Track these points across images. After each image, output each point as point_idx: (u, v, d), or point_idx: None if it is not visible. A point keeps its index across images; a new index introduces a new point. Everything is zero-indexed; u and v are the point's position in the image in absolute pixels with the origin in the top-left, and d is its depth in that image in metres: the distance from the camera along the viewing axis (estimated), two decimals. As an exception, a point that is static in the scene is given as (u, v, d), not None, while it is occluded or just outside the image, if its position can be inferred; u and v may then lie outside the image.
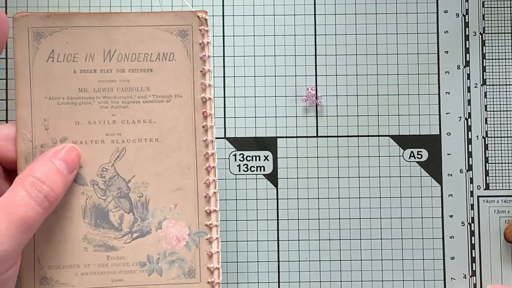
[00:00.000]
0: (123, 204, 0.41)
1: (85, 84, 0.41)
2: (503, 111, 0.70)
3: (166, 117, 0.40)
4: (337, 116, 0.70)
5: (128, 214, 0.41)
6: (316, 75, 0.70)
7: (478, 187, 0.70)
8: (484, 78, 0.70)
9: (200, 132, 0.42)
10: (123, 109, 0.41)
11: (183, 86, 0.41)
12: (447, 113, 0.70)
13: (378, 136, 0.69)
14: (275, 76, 0.69)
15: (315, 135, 0.69)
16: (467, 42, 0.70)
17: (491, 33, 0.70)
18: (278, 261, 0.68)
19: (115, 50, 0.41)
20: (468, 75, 0.70)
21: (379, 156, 0.69)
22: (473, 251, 0.69)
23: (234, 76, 0.69)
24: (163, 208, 0.41)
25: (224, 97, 0.69)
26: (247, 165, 0.69)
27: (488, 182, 0.70)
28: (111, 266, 0.41)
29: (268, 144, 0.69)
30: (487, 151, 0.70)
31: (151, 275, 0.41)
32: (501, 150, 0.70)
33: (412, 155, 0.70)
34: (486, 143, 0.70)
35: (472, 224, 0.69)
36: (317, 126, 0.69)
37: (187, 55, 0.41)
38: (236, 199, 0.68)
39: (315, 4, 0.70)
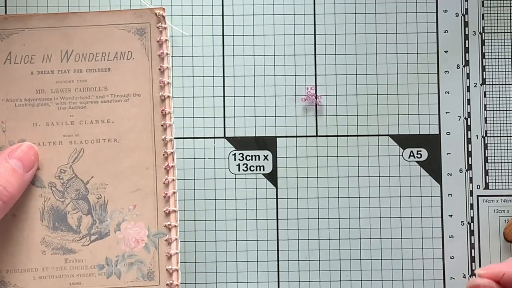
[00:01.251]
0: (81, 206, 0.40)
1: (42, 85, 0.40)
2: (503, 110, 0.70)
3: (125, 116, 0.40)
4: (336, 115, 0.69)
5: (87, 216, 0.40)
6: (315, 75, 0.70)
7: (478, 186, 0.70)
8: (484, 77, 0.70)
9: (159, 131, 0.41)
10: (81, 109, 0.40)
11: (141, 85, 0.40)
12: (446, 113, 0.70)
13: (378, 135, 0.69)
14: (274, 75, 0.69)
15: (315, 134, 0.69)
16: (467, 41, 0.70)
17: (491, 32, 0.70)
18: (278, 261, 0.68)
19: (72, 51, 0.41)
20: (468, 74, 0.70)
21: (378, 156, 0.69)
22: (473, 250, 0.69)
23: (234, 76, 0.69)
24: (121, 209, 0.40)
25: (224, 96, 0.69)
26: (246, 164, 0.69)
27: (487, 181, 0.70)
28: (69, 269, 0.41)
29: (267, 143, 0.69)
30: (486, 150, 0.70)
31: (110, 278, 0.40)
32: (501, 149, 0.70)
33: (411, 154, 0.70)
34: (486, 142, 0.70)
35: (472, 224, 0.69)
36: (316, 126, 0.69)
37: (145, 53, 0.41)
38: (235, 199, 0.68)
39: (314, 4, 0.70)
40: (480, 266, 0.69)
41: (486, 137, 0.70)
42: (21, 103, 0.40)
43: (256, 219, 0.68)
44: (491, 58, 0.70)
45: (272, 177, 0.69)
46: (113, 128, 0.40)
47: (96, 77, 0.40)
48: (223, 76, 0.69)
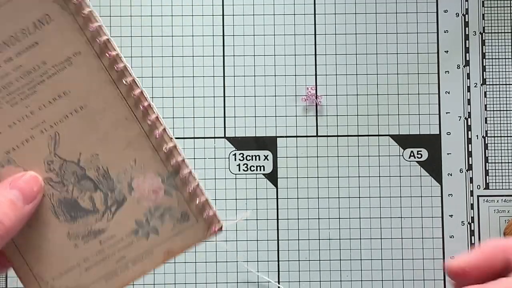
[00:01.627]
0: (86, 186, 0.39)
1: None
2: (503, 110, 0.70)
3: (77, 80, 0.38)
4: (337, 115, 0.69)
5: (96, 192, 0.39)
6: (316, 75, 0.70)
7: (478, 186, 0.70)
8: (484, 77, 0.70)
9: (117, 77, 0.38)
10: (33, 95, 0.38)
11: (75, 42, 0.37)
12: (447, 113, 0.70)
13: (378, 135, 0.69)
14: (275, 75, 0.69)
15: (315, 134, 0.69)
16: (467, 41, 0.70)
17: (491, 32, 0.70)
18: (278, 261, 0.68)
19: None
20: (468, 74, 0.70)
21: (379, 156, 0.69)
22: (473, 250, 0.69)
23: (234, 76, 0.69)
24: (124, 169, 0.38)
25: (224, 96, 0.69)
26: (247, 164, 0.69)
27: (488, 181, 0.70)
28: (107, 248, 0.40)
29: (268, 143, 0.69)
30: (487, 150, 0.70)
31: (150, 238, 0.39)
32: (501, 149, 0.70)
33: (412, 154, 0.70)
34: (486, 142, 0.70)
35: (472, 224, 0.69)
36: (317, 126, 0.69)
37: (62, 9, 0.38)
38: (236, 199, 0.68)
39: (315, 4, 0.70)
40: (480, 266, 0.69)
41: (486, 137, 0.70)
42: None
43: (257, 219, 0.68)
44: (492, 58, 0.70)
45: (272, 177, 0.69)
46: (73, 98, 0.38)
47: (28, 57, 0.38)
48: (224, 76, 0.69)
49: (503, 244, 0.34)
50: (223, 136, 0.69)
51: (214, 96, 0.69)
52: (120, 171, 0.38)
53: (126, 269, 0.39)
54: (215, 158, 0.68)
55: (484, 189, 0.69)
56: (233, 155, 0.69)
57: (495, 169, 0.70)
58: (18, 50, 0.37)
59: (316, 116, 0.69)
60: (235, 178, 0.69)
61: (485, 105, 0.70)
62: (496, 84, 0.70)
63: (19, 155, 0.38)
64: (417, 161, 0.70)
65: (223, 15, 0.69)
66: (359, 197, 0.69)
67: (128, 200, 0.38)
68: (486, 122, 0.70)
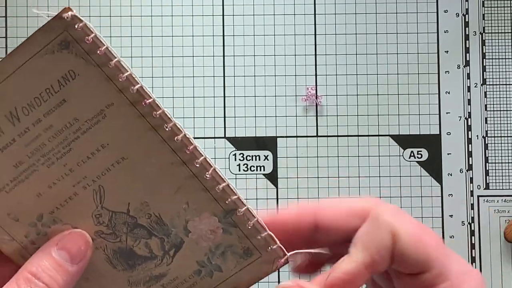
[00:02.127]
0: (140, 234, 0.37)
1: (16, 159, 0.36)
2: (503, 110, 0.70)
3: (114, 131, 0.36)
4: (337, 115, 0.69)
5: (152, 239, 0.37)
6: (316, 75, 0.70)
7: (478, 186, 0.70)
8: (484, 77, 0.70)
9: (156, 123, 0.36)
10: (69, 153, 0.36)
11: (106, 92, 0.35)
12: (447, 113, 0.70)
13: (378, 135, 0.69)
14: (275, 75, 0.69)
15: (315, 134, 0.69)
16: (467, 41, 0.70)
17: (491, 32, 0.70)
18: (278, 261, 0.68)
19: (15, 108, 0.36)
20: (468, 74, 0.70)
21: (379, 156, 0.69)
22: (473, 250, 0.69)
23: (234, 76, 0.69)
24: (177, 213, 0.37)
25: (224, 96, 0.69)
26: (247, 164, 0.69)
27: (488, 181, 0.70)
28: None
29: (268, 143, 0.69)
30: (487, 150, 0.70)
31: (213, 276, 0.37)
32: (501, 150, 0.70)
33: (412, 154, 0.70)
34: (486, 142, 0.70)
35: (472, 224, 0.69)
36: (317, 126, 0.69)
37: (85, 61, 0.35)
38: (236, 199, 0.68)
39: (315, 4, 0.70)
40: (480, 266, 0.69)
41: (486, 137, 0.70)
42: (11, 186, 0.36)
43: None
44: (492, 58, 0.70)
45: (272, 177, 0.69)
46: (112, 150, 0.36)
47: (58, 116, 0.35)
48: (224, 76, 0.69)
49: (313, 207, 0.36)
50: (223, 136, 0.69)
51: (214, 96, 0.69)
52: (174, 216, 0.36)
53: None
54: (215, 158, 0.68)
55: (484, 189, 0.69)
56: (233, 155, 0.69)
57: (495, 169, 0.70)
58: (46, 110, 0.35)
59: (316, 116, 0.69)
60: (235, 178, 0.68)
61: (485, 105, 0.70)
62: (496, 84, 0.70)
63: (64, 213, 0.36)
64: (417, 161, 0.70)
65: (223, 15, 0.69)
66: (359, 197, 0.69)
67: (186, 242, 0.36)
68: (486, 122, 0.70)
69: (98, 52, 0.34)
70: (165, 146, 0.35)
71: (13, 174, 0.35)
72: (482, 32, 0.70)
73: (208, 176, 0.36)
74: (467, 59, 0.70)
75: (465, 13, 0.70)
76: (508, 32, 0.70)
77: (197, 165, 0.35)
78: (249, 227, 0.37)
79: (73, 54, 0.34)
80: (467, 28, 0.70)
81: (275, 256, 0.37)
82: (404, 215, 0.34)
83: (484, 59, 0.70)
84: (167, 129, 0.35)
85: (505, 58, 0.70)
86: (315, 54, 0.70)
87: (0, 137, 0.34)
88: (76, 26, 0.34)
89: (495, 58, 0.70)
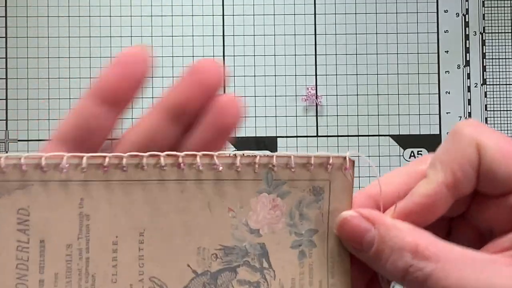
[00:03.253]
0: (225, 279, 0.32)
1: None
2: (503, 110, 0.70)
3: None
4: (337, 115, 0.69)
5: (239, 273, 0.32)
6: (316, 75, 0.70)
7: (478, 186, 0.70)
8: (484, 77, 0.70)
9: (146, 175, 0.35)
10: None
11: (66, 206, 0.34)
12: (447, 113, 0.70)
13: (378, 135, 0.69)
14: (275, 75, 0.69)
15: (315, 134, 0.69)
16: (467, 41, 0.70)
17: (491, 32, 0.70)
18: (278, 261, 0.68)
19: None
20: (468, 74, 0.70)
21: (379, 156, 0.69)
22: (473, 250, 0.69)
23: (234, 76, 0.69)
24: (232, 226, 0.32)
25: (224, 96, 0.69)
26: (247, 164, 0.69)
27: (488, 181, 0.70)
28: None
29: (268, 143, 0.69)
30: (487, 150, 0.70)
31: (314, 238, 0.33)
32: (501, 149, 0.70)
33: (412, 154, 0.70)
34: (486, 142, 0.70)
35: (472, 224, 0.69)
36: (317, 126, 0.69)
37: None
38: (236, 199, 0.68)
39: (315, 4, 0.70)
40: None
41: (486, 137, 0.70)
42: None
43: (257, 219, 0.68)
44: (492, 58, 0.70)
45: (272, 177, 0.69)
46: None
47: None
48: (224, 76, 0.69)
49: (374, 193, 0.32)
50: (223, 136, 0.69)
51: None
52: (231, 232, 0.32)
53: None
54: (215, 158, 0.68)
55: (485, 189, 0.69)
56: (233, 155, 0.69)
57: (495, 169, 0.70)
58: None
59: (316, 116, 0.69)
60: (235, 178, 0.69)
61: (485, 105, 0.70)
62: (496, 84, 0.70)
63: None
64: (417, 161, 0.70)
65: (223, 15, 0.69)
66: (359, 197, 0.69)
67: (266, 241, 0.32)
68: (486, 122, 0.70)
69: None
70: (165, 186, 0.32)
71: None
72: (482, 32, 0.70)
73: (220, 168, 0.32)
74: (467, 59, 0.70)
75: (465, 13, 0.70)
76: (508, 32, 0.70)
77: (201, 168, 0.32)
78: (293, 170, 0.32)
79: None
80: (467, 28, 0.70)
81: (339, 168, 0.33)
82: (487, 127, 0.28)
83: (484, 59, 0.70)
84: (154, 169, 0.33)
85: (505, 58, 0.70)
86: (315, 54, 0.70)
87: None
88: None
89: (495, 58, 0.70)
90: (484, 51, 0.70)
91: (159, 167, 0.31)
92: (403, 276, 0.28)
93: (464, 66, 0.70)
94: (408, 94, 0.70)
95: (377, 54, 0.70)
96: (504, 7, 0.70)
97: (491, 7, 0.70)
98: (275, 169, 0.32)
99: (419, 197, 0.29)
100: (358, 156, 0.32)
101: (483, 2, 0.70)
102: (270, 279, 0.32)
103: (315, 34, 0.70)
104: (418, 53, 0.70)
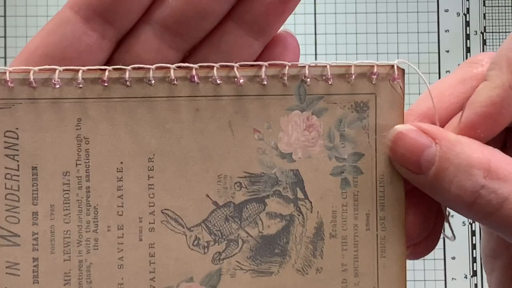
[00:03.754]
0: (251, 212, 0.28)
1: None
2: (504, 110, 0.70)
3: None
4: (337, 115, 0.69)
5: (268, 204, 0.28)
6: (316, 75, 0.69)
7: (479, 187, 0.69)
8: (485, 77, 0.70)
9: (151, 91, 0.28)
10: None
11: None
12: (447, 113, 0.70)
13: (379, 135, 0.69)
14: (275, 75, 0.69)
15: (315, 134, 0.69)
16: (468, 41, 0.70)
17: (492, 32, 0.70)
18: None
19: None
20: (469, 74, 0.70)
21: (379, 156, 0.69)
22: (474, 251, 0.69)
23: (234, 76, 0.69)
24: (259, 150, 0.28)
25: (224, 96, 0.69)
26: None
27: (489, 181, 0.69)
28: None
29: (268, 143, 0.69)
30: (488, 150, 0.70)
31: (359, 163, 0.28)
32: (502, 149, 0.70)
33: (412, 154, 0.69)
34: (487, 142, 0.70)
35: (473, 224, 0.69)
36: (317, 126, 0.69)
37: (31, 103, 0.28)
38: (236, 199, 0.68)
39: (315, 3, 0.70)
40: (481, 266, 0.69)
41: (487, 137, 0.70)
42: None
43: (257, 220, 0.68)
44: (493, 58, 0.70)
45: (272, 177, 0.69)
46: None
47: None
48: (224, 76, 0.69)
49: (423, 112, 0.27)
50: (223, 136, 0.68)
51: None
52: (258, 157, 0.28)
53: None
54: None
55: (485, 189, 0.69)
56: (233, 155, 0.69)
57: (496, 169, 0.69)
58: None
59: (317, 116, 0.69)
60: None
61: (486, 105, 0.70)
62: (497, 84, 0.70)
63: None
64: (417, 161, 0.69)
65: (223, 14, 0.69)
66: (360, 198, 0.69)
67: (300, 167, 0.28)
68: (487, 122, 0.70)
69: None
70: (176, 104, 0.27)
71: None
72: (483, 31, 0.70)
73: (241, 81, 0.27)
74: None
75: (466, 13, 0.70)
76: (509, 32, 0.70)
77: (218, 82, 0.27)
78: (330, 83, 0.28)
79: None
80: (468, 28, 0.70)
81: (385, 78, 0.29)
82: None
83: (485, 59, 0.70)
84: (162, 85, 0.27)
85: (506, 58, 0.70)
86: (315, 54, 0.69)
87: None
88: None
89: (496, 58, 0.70)
90: (485, 51, 0.70)
91: (169, 81, 0.26)
92: (472, 202, 0.23)
93: (465, 66, 0.70)
94: (409, 94, 0.70)
95: (377, 53, 0.69)
96: (505, 6, 0.70)
97: (492, 6, 0.70)
98: (308, 82, 0.27)
99: (481, 106, 0.24)
100: (408, 64, 0.27)
101: (484, 1, 0.70)
102: (306, 212, 0.27)
103: (315, 34, 0.69)
104: (418, 53, 0.70)
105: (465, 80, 0.26)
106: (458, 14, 0.70)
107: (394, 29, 0.70)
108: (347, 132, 0.27)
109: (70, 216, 0.27)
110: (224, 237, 0.27)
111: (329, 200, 0.27)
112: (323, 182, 0.27)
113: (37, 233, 0.27)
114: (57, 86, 0.26)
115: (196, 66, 0.26)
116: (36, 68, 0.26)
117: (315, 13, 0.70)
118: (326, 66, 0.27)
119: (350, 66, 0.28)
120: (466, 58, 0.70)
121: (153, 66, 0.26)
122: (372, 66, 0.28)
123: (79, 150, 0.27)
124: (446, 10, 0.70)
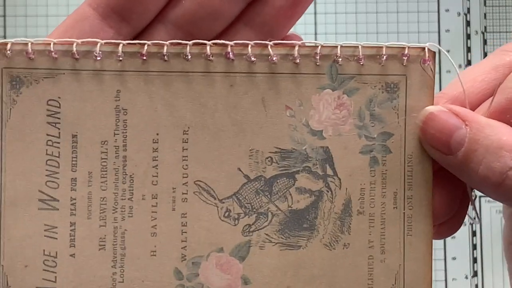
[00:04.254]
0: (281, 187, 0.28)
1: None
2: (505, 110, 0.70)
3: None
4: (337, 115, 0.69)
5: (298, 179, 0.28)
6: (316, 75, 0.69)
7: (480, 187, 0.69)
8: (486, 77, 0.70)
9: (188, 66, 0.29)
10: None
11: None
12: (448, 113, 0.70)
13: (379, 135, 0.69)
14: (275, 75, 0.69)
15: (316, 134, 0.69)
16: (469, 41, 0.70)
17: (493, 32, 0.70)
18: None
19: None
20: (470, 74, 0.70)
21: (380, 156, 0.69)
22: (475, 251, 0.69)
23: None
24: (290, 126, 0.28)
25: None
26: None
27: (489, 182, 0.69)
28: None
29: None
30: (488, 150, 0.69)
31: (388, 142, 0.28)
32: (503, 149, 0.69)
33: (413, 154, 0.69)
34: (488, 142, 0.70)
35: (474, 225, 0.69)
36: (317, 126, 0.69)
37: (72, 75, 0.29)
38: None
39: (315, 3, 0.70)
40: (482, 267, 0.69)
41: (488, 137, 0.70)
42: None
43: (257, 220, 0.68)
44: (493, 58, 0.70)
45: (272, 177, 0.69)
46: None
47: None
48: (224, 76, 0.69)
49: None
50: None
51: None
52: (289, 133, 0.28)
53: None
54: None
55: (486, 189, 0.69)
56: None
57: (496, 170, 0.69)
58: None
59: (317, 116, 0.69)
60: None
61: (487, 105, 0.70)
62: (497, 84, 0.70)
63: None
64: (418, 161, 0.69)
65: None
66: (360, 198, 0.69)
67: (331, 146, 0.28)
68: (487, 122, 0.70)
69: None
70: (212, 79, 0.28)
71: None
72: (483, 31, 0.70)
73: (275, 59, 0.27)
74: (469, 58, 0.70)
75: (466, 12, 0.70)
76: (510, 32, 0.70)
77: (252, 59, 0.27)
78: (361, 63, 0.28)
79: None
80: (468, 27, 0.70)
81: (416, 60, 0.28)
82: None
83: (486, 59, 0.70)
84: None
85: (507, 58, 0.70)
86: (316, 54, 0.69)
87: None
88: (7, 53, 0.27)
89: (497, 58, 0.70)
90: (485, 51, 0.70)
91: (205, 57, 0.27)
92: (500, 183, 0.24)
93: (466, 66, 0.70)
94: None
95: (377, 53, 0.69)
96: (505, 6, 0.70)
97: (492, 6, 0.70)
98: (340, 62, 0.28)
99: None
100: (439, 48, 0.28)
101: (484, 1, 0.70)
102: (335, 188, 0.28)
103: (316, 34, 0.69)
104: (419, 53, 0.70)
105: (497, 67, 0.26)
106: (459, 13, 0.70)
107: (394, 29, 0.70)
108: (377, 112, 0.28)
109: (106, 184, 0.28)
110: (254, 210, 0.28)
111: (358, 178, 0.28)
112: (352, 160, 0.28)
113: (75, 199, 0.28)
114: (98, 58, 0.27)
115: (231, 43, 0.27)
116: (79, 41, 0.27)
117: (315, 13, 0.70)
118: (358, 46, 0.28)
119: (382, 47, 0.28)
120: (467, 58, 0.70)
121: (191, 42, 0.27)
122: (403, 48, 0.28)
123: (117, 120, 0.28)
124: (447, 10, 0.70)
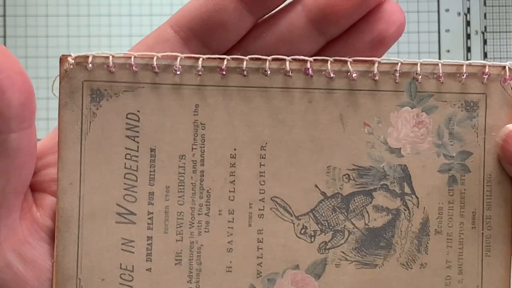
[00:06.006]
0: (358, 204, 0.29)
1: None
2: (505, 110, 0.70)
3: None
4: (337, 115, 0.69)
5: (375, 197, 0.28)
6: (316, 74, 0.69)
7: (480, 187, 0.69)
8: (486, 77, 0.70)
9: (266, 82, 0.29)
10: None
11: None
12: (448, 113, 0.70)
13: (379, 135, 0.69)
14: (275, 75, 0.69)
15: (316, 134, 0.69)
16: (469, 41, 0.70)
17: (493, 32, 0.70)
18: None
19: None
20: (470, 74, 0.70)
21: (379, 156, 0.69)
22: (475, 251, 0.69)
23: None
24: (368, 144, 0.28)
25: (224, 96, 0.69)
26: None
27: (489, 181, 0.69)
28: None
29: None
30: (488, 150, 0.70)
31: (467, 161, 0.28)
32: (503, 149, 0.70)
33: (413, 154, 0.69)
34: (488, 142, 0.70)
35: (474, 224, 0.69)
36: (317, 126, 0.69)
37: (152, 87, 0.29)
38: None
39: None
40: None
41: (488, 137, 0.70)
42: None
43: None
44: (493, 58, 0.70)
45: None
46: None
47: None
48: (224, 75, 0.69)
49: None
50: (223, 136, 0.68)
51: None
52: (367, 149, 0.28)
53: None
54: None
55: (486, 189, 0.69)
56: (233, 155, 0.68)
57: (496, 169, 0.69)
58: None
59: (317, 116, 0.69)
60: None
61: (487, 105, 0.70)
62: (497, 84, 0.70)
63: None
64: (418, 161, 0.69)
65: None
66: (360, 198, 0.69)
67: (409, 165, 0.28)
68: (487, 122, 0.70)
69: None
70: (290, 95, 0.28)
71: None
72: (483, 31, 0.70)
73: (354, 75, 0.27)
74: (469, 58, 0.70)
75: (466, 12, 0.70)
76: (510, 32, 0.70)
77: (331, 76, 0.27)
78: (441, 81, 0.28)
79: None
80: (468, 27, 0.70)
81: (496, 79, 0.28)
82: None
83: (486, 59, 0.70)
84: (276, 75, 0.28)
85: (507, 58, 0.70)
86: (316, 54, 0.69)
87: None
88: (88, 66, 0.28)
89: (497, 58, 0.70)
90: (485, 51, 0.70)
91: (284, 72, 0.27)
92: None
93: (465, 66, 0.70)
94: (409, 93, 0.70)
95: (377, 53, 0.69)
96: (505, 6, 0.70)
97: (492, 6, 0.70)
98: (419, 79, 0.28)
99: None
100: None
101: (484, 1, 0.70)
102: (413, 207, 0.28)
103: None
104: (419, 52, 0.69)
105: None
106: (459, 13, 0.70)
107: (394, 29, 0.70)
108: (456, 130, 0.27)
109: (184, 198, 0.28)
110: (330, 227, 0.28)
111: (436, 197, 0.27)
112: (430, 178, 0.27)
113: (152, 213, 0.28)
114: (178, 72, 0.27)
115: (310, 59, 0.27)
116: (159, 54, 0.27)
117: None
118: (437, 64, 0.28)
119: (462, 65, 0.28)
120: (467, 57, 0.70)
121: (270, 58, 0.27)
122: (484, 66, 0.28)
123: (196, 135, 0.27)
124: (447, 10, 0.70)
